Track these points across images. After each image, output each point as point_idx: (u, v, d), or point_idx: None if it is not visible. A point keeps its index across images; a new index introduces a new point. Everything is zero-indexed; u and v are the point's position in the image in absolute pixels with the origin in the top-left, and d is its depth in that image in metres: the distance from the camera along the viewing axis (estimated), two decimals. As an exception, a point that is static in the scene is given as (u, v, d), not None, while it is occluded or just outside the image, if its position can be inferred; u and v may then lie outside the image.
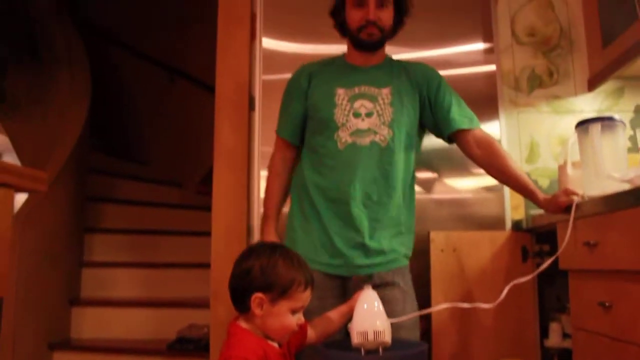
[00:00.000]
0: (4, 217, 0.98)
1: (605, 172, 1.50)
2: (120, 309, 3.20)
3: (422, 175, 2.20)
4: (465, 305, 1.47)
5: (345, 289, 1.66)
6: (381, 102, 1.69)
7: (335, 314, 1.45)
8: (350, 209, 1.64)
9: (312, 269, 1.61)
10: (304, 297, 1.28)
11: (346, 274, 1.65)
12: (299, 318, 1.28)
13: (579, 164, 1.87)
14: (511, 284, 1.47)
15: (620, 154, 1.61)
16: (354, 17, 1.69)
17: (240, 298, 1.27)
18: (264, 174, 2.14)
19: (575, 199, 1.56)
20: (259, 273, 1.25)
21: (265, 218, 1.82)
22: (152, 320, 3.13)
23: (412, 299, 1.68)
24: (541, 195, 1.67)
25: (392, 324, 1.44)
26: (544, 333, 2.11)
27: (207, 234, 2.27)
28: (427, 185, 2.24)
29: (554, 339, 2.02)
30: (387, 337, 1.26)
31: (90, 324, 3.20)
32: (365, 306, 1.32)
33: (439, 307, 1.54)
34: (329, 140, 1.69)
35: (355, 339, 1.27)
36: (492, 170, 1.75)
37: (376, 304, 1.32)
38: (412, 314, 1.49)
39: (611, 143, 1.61)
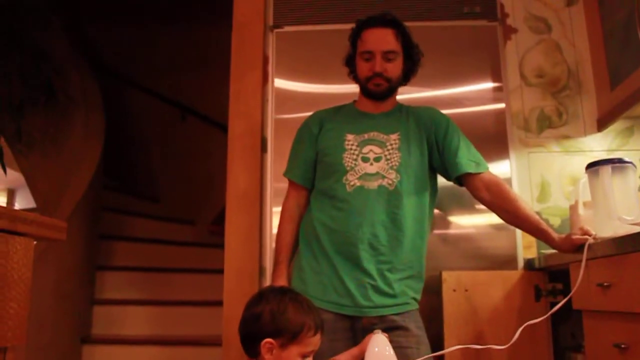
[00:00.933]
0: (24, 267, 1.00)
1: (616, 214, 1.51)
2: (132, 347, 3.19)
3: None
4: (479, 347, 1.47)
5: (354, 331, 1.65)
6: (389, 147, 1.73)
7: (346, 357, 1.45)
8: (358, 252, 1.66)
9: (322, 309, 1.62)
10: (314, 341, 1.28)
11: (356, 315, 1.65)
12: None
13: (591, 203, 1.89)
14: (525, 325, 1.47)
15: (631, 196, 1.63)
16: (363, 68, 1.78)
17: (250, 343, 1.28)
18: (276, 210, 2.16)
19: (589, 239, 1.56)
20: (269, 318, 1.25)
21: (276, 263, 1.82)
22: (163, 358, 3.11)
23: (425, 343, 1.67)
24: (554, 235, 1.68)
25: None
26: (559, 374, 2.09)
27: (219, 271, 2.29)
28: (438, 225, 2.25)
29: (570, 381, 2.00)
30: None
31: (102, 363, 3.19)
32: (376, 349, 1.32)
33: (451, 348, 1.54)
34: (338, 183, 1.72)
35: None
36: (503, 213, 1.76)
37: (387, 348, 1.32)
38: (424, 357, 1.49)
39: (622, 185, 1.62)
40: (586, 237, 1.59)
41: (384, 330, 1.60)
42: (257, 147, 2.33)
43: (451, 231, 2.25)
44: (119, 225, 4.06)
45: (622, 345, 1.44)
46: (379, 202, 1.68)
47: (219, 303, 2.25)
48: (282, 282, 1.74)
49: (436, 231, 2.23)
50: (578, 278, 1.56)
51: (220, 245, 2.31)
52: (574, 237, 1.62)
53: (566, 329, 2.21)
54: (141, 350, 3.18)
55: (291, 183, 1.87)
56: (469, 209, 2.25)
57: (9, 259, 0.97)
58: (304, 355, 1.26)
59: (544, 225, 1.71)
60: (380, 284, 1.65)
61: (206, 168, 4.45)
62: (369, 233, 1.66)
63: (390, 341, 1.59)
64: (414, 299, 1.73)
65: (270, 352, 1.25)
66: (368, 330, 1.60)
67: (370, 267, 1.65)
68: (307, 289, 1.69)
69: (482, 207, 2.18)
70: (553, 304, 1.79)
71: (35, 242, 1.06)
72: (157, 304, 3.43)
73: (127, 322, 3.39)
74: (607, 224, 1.59)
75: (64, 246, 3.17)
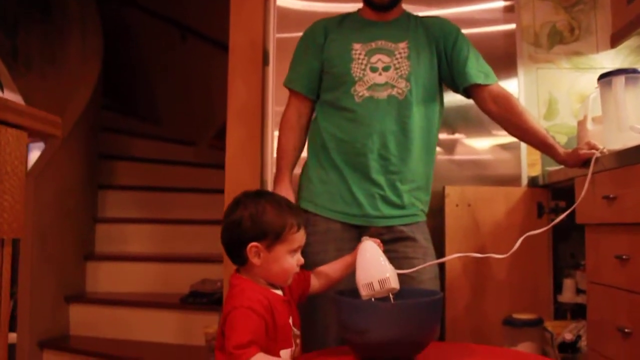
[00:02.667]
0: (17, 160, 0.98)
1: (627, 125, 1.47)
2: (134, 264, 3.24)
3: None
4: (478, 255, 1.45)
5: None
6: (398, 56, 1.66)
7: (339, 264, 1.42)
8: (367, 162, 1.63)
9: (329, 218, 1.64)
10: (299, 237, 1.27)
11: (364, 225, 1.64)
12: (299, 259, 1.27)
13: (599, 119, 1.85)
14: (525, 235, 1.45)
15: (643, 107, 1.58)
16: None
17: (235, 251, 1.26)
18: (278, 121, 2.12)
19: (596, 153, 1.53)
20: (250, 223, 1.23)
21: (278, 170, 1.78)
22: (165, 275, 3.17)
23: (432, 255, 1.67)
24: (561, 149, 1.64)
25: (413, 280, 1.44)
26: (558, 289, 2.11)
27: (221, 191, 2.27)
28: (443, 143, 2.22)
29: (568, 295, 2.02)
30: (394, 284, 1.25)
31: (105, 278, 3.25)
32: (367, 257, 1.29)
33: (451, 256, 1.53)
34: (346, 94, 1.66)
35: (363, 292, 1.26)
36: (509, 125, 1.71)
37: (377, 253, 1.30)
38: (419, 266, 1.46)
39: (634, 96, 1.57)
40: (593, 151, 1.56)
41: (392, 241, 1.61)
42: (259, 60, 2.27)
43: (455, 149, 2.22)
44: (120, 145, 4.04)
45: (624, 257, 1.44)
46: (389, 112, 1.63)
47: (219, 222, 2.25)
48: (284, 188, 1.71)
49: (441, 150, 2.19)
50: (583, 190, 1.54)
51: (222, 166, 2.29)
52: (581, 151, 1.59)
53: (566, 249, 2.22)
54: (143, 267, 3.22)
55: (293, 93, 1.81)
56: (474, 127, 2.22)
57: (1, 150, 0.94)
58: (292, 252, 1.25)
59: (551, 140, 1.67)
60: (390, 194, 1.63)
61: (208, 89, 4.38)
62: (378, 143, 1.63)
63: (397, 251, 1.60)
64: (422, 210, 1.72)
65: (258, 255, 1.23)
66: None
67: (380, 177, 1.63)
68: (315, 198, 1.68)
69: (487, 126, 2.17)
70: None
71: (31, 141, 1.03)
72: (158, 222, 3.46)
73: (129, 240, 3.43)
74: (616, 136, 1.56)
75: (65, 164, 3.17)
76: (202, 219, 3.29)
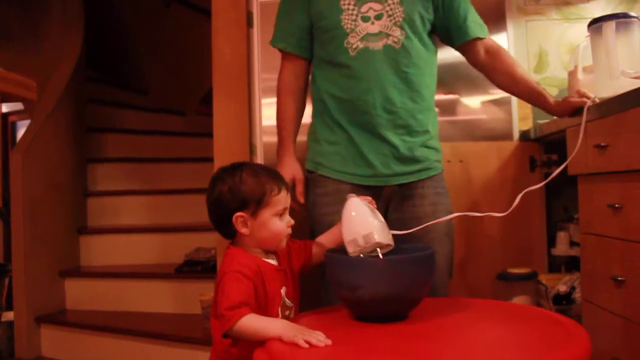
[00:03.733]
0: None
1: (618, 71, 1.44)
2: (128, 236, 3.23)
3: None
4: (478, 214, 1.44)
5: (376, 201, 1.51)
6: (390, 2, 1.56)
7: (338, 228, 1.41)
8: (373, 119, 1.56)
9: (340, 180, 1.58)
10: (282, 199, 1.26)
11: (377, 185, 1.58)
12: (288, 221, 1.28)
13: (590, 68, 1.82)
14: (524, 192, 1.44)
15: (635, 53, 1.55)
16: None
17: (224, 226, 1.27)
18: (264, 86, 2.09)
19: (588, 102, 1.51)
20: (230, 195, 1.24)
21: (280, 139, 1.68)
22: (159, 245, 3.15)
23: (444, 210, 1.59)
24: (551, 99, 1.62)
25: (420, 240, 1.43)
26: (551, 243, 2.12)
27: (211, 159, 2.24)
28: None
29: (561, 248, 2.02)
30: (380, 238, 1.23)
31: (99, 251, 3.23)
32: (351, 214, 1.28)
33: (451, 216, 1.50)
34: (339, 48, 1.58)
35: (349, 249, 1.25)
36: (500, 76, 1.67)
37: (362, 209, 1.28)
38: (414, 229, 1.44)
39: (626, 42, 1.54)
40: (584, 99, 1.54)
41: (400, 201, 1.58)
42: (243, 21, 2.20)
43: (446, 104, 2.19)
44: (108, 117, 3.98)
45: (616, 205, 1.43)
46: (387, 63, 1.55)
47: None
48: (288, 161, 1.64)
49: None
50: (578, 140, 1.52)
51: (212, 134, 2.24)
52: (572, 99, 1.57)
53: (559, 204, 2.21)
54: (137, 239, 3.21)
55: (285, 54, 1.72)
56: (464, 82, 2.18)
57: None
58: (278, 214, 1.25)
59: (541, 89, 1.64)
60: (401, 149, 1.57)
61: (194, 57, 4.29)
62: (381, 97, 1.55)
63: (404, 212, 1.57)
64: (437, 161, 1.65)
65: (245, 224, 1.24)
66: (389, 199, 1.56)
67: (388, 133, 1.56)
68: (324, 160, 1.62)
69: (477, 81, 2.13)
70: (547, 175, 1.77)
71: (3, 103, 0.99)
72: (150, 193, 3.43)
73: (121, 212, 3.40)
74: (607, 84, 1.53)
75: (52, 138, 3.13)
76: (194, 187, 3.27)
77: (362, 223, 1.25)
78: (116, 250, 3.21)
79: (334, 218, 1.46)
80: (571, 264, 2.09)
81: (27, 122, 3.16)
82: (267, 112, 2.11)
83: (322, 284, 1.57)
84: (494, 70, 1.67)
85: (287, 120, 1.68)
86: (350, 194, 1.33)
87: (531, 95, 1.66)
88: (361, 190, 1.53)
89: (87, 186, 3.49)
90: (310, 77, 1.73)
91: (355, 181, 1.59)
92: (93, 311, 2.96)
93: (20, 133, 3.04)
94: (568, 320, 1.12)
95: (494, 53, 1.66)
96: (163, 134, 3.97)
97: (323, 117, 1.64)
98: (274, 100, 1.74)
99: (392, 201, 1.61)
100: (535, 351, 0.96)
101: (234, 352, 1.19)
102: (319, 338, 1.03)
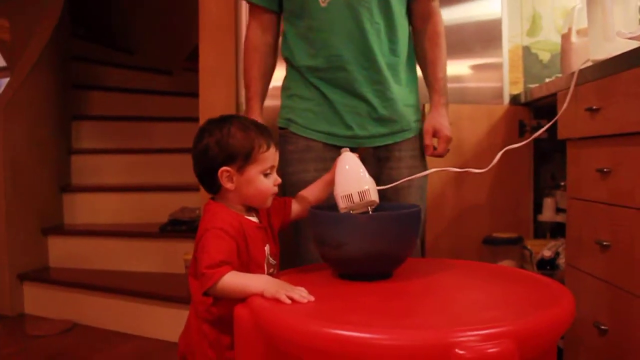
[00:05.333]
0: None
1: (614, 32, 1.41)
2: (112, 195, 3.20)
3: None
4: (457, 169, 1.41)
5: None
6: None
7: (319, 184, 1.37)
8: (348, 75, 1.48)
9: (310, 138, 1.52)
10: (270, 156, 1.22)
11: (351, 146, 1.44)
12: (275, 179, 1.23)
13: (584, 31, 1.79)
14: (505, 148, 1.41)
15: (631, 14, 1.51)
16: None
17: (208, 180, 1.22)
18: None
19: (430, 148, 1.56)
20: (217, 148, 1.18)
21: (247, 99, 1.58)
22: (143, 205, 3.13)
23: (420, 172, 1.53)
24: (437, 102, 1.59)
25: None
26: (538, 210, 2.11)
27: (197, 120, 2.19)
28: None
29: (548, 214, 2.02)
30: (374, 196, 1.21)
31: (83, 210, 3.20)
32: (346, 168, 1.25)
33: (430, 171, 1.46)
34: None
35: (342, 204, 1.22)
36: (423, 42, 1.60)
37: (357, 165, 1.25)
38: (398, 182, 1.41)
39: (622, 1, 1.50)
40: (430, 146, 1.56)
41: (377, 162, 1.54)
42: (230, -26, 2.14)
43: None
44: (93, 75, 3.90)
45: (605, 170, 1.42)
46: (361, 12, 1.45)
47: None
48: (255, 118, 1.53)
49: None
50: (566, 101, 1.49)
51: (197, 95, 2.19)
52: (427, 136, 1.56)
53: (546, 172, 2.21)
54: (121, 198, 3.18)
55: (252, 8, 1.61)
56: (455, 44, 2.14)
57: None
58: (265, 172, 1.21)
59: (438, 86, 1.59)
60: (379, 108, 1.49)
61: (181, 17, 4.21)
62: (356, 51, 1.46)
63: (382, 173, 1.52)
64: (416, 121, 1.59)
65: (230, 179, 1.20)
66: (363, 161, 1.50)
67: (366, 90, 1.48)
68: (295, 116, 1.55)
69: (469, 42, 2.10)
70: (536, 141, 1.75)
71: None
72: (135, 152, 3.39)
73: (106, 171, 3.37)
74: (602, 46, 1.50)
75: (34, 94, 3.07)
76: (179, 147, 3.22)
77: (357, 179, 1.22)
78: (100, 209, 3.18)
79: (304, 176, 1.44)
80: (556, 231, 2.09)
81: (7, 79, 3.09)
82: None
83: (300, 241, 1.53)
84: (420, 40, 1.60)
85: (253, 79, 1.58)
86: (344, 148, 1.30)
87: (426, 80, 1.62)
88: (333, 150, 1.48)
89: (71, 144, 3.44)
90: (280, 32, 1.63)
91: (327, 140, 1.51)
92: (76, 269, 2.95)
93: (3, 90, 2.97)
94: (553, 282, 1.11)
95: (432, 22, 1.58)
96: (149, 93, 3.91)
97: (295, 73, 1.57)
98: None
99: (366, 163, 1.49)
100: (521, 310, 0.96)
101: (214, 312, 1.17)
102: (301, 294, 1.02)
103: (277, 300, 1.01)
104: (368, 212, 1.22)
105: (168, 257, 2.76)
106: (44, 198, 3.09)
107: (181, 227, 2.74)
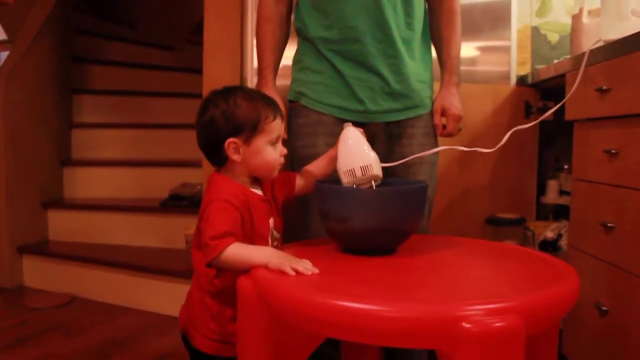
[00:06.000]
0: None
1: (628, 10, 1.39)
2: (112, 169, 3.19)
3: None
4: (466, 149, 1.39)
5: None
6: None
7: (324, 159, 1.35)
8: (362, 48, 1.44)
9: (321, 112, 1.49)
10: (276, 126, 1.20)
11: (362, 121, 1.45)
12: (281, 150, 1.22)
13: (596, 11, 1.77)
14: (513, 129, 1.39)
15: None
16: None
17: (214, 152, 1.20)
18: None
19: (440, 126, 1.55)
20: (223, 119, 1.16)
21: (259, 70, 1.54)
22: (144, 179, 3.12)
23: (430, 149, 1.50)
24: (448, 81, 1.56)
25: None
26: (541, 192, 2.11)
27: (199, 96, 2.16)
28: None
29: (551, 196, 2.01)
30: (377, 171, 1.19)
31: (83, 183, 3.19)
32: (349, 143, 1.23)
33: (437, 149, 1.44)
34: None
35: (344, 179, 1.21)
36: (437, 24, 1.58)
37: (360, 139, 1.24)
38: (406, 159, 1.39)
39: (636, -19, 1.48)
40: (440, 124, 1.54)
41: (388, 139, 1.52)
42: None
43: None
44: (96, 49, 3.87)
45: (613, 151, 1.41)
46: None
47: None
48: (268, 90, 1.52)
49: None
50: (575, 83, 1.48)
51: (201, 70, 2.16)
52: (436, 116, 1.54)
53: (551, 154, 2.20)
54: (122, 172, 3.17)
55: None
56: (463, 24, 2.12)
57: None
58: (272, 142, 1.20)
59: (451, 65, 1.56)
60: (392, 82, 1.46)
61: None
62: (371, 22, 1.43)
63: (393, 151, 1.50)
64: (428, 97, 1.55)
65: (237, 151, 1.17)
66: (374, 137, 1.46)
67: (379, 63, 1.45)
68: (306, 89, 1.52)
69: (478, 22, 2.08)
70: (543, 123, 1.73)
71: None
72: (136, 127, 3.36)
73: (106, 145, 3.35)
74: (615, 25, 1.48)
75: (35, 65, 3.05)
76: (181, 122, 3.21)
77: (360, 153, 1.20)
78: (100, 183, 3.17)
79: (314, 151, 1.42)
80: (559, 213, 2.09)
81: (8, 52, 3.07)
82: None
83: (306, 214, 1.51)
84: (436, 21, 1.58)
85: (266, 50, 1.55)
86: (347, 123, 1.28)
87: (440, 58, 1.59)
88: (342, 124, 1.42)
89: (72, 117, 3.41)
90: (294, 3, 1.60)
91: (338, 114, 1.48)
92: (76, 243, 2.94)
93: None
94: (558, 261, 1.10)
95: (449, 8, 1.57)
96: (151, 68, 3.88)
97: (307, 44, 1.53)
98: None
99: (377, 139, 1.51)
100: (527, 287, 0.95)
101: (217, 284, 1.16)
102: (306, 266, 1.01)
103: (281, 272, 1.00)
104: (372, 186, 1.21)
105: (168, 232, 2.76)
106: (44, 171, 3.08)
107: (182, 202, 2.73)
